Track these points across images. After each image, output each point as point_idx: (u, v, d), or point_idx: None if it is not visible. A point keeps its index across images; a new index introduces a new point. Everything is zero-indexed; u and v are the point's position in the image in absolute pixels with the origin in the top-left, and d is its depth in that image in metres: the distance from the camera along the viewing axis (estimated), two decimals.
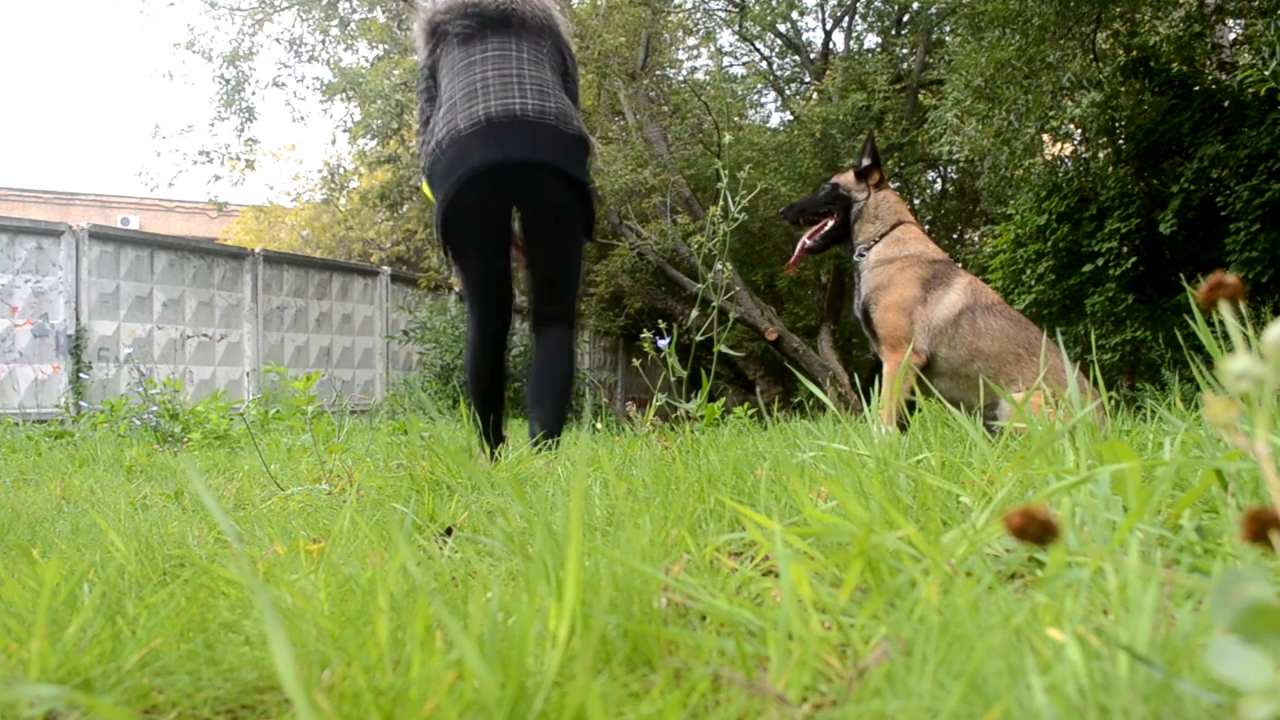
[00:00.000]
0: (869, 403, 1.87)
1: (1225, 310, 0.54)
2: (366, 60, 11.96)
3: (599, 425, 3.15)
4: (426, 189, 2.80)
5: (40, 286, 8.21)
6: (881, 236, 2.97)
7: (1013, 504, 0.94)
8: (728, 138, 2.95)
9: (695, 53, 13.61)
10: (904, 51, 12.03)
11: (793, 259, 3.18)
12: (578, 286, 2.79)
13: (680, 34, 12.77)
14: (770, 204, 11.16)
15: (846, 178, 3.13)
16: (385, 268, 11.76)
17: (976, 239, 13.15)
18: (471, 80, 2.60)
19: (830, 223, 3.08)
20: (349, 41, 11.76)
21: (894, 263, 2.88)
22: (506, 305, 2.76)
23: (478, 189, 2.54)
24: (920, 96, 11.65)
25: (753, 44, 12.87)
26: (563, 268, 2.72)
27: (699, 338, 2.48)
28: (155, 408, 5.31)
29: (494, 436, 2.73)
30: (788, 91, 13.48)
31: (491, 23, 2.69)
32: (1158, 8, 5.97)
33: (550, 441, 2.36)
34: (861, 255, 3.00)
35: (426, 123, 2.71)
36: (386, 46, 11.50)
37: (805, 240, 3.13)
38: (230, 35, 13.52)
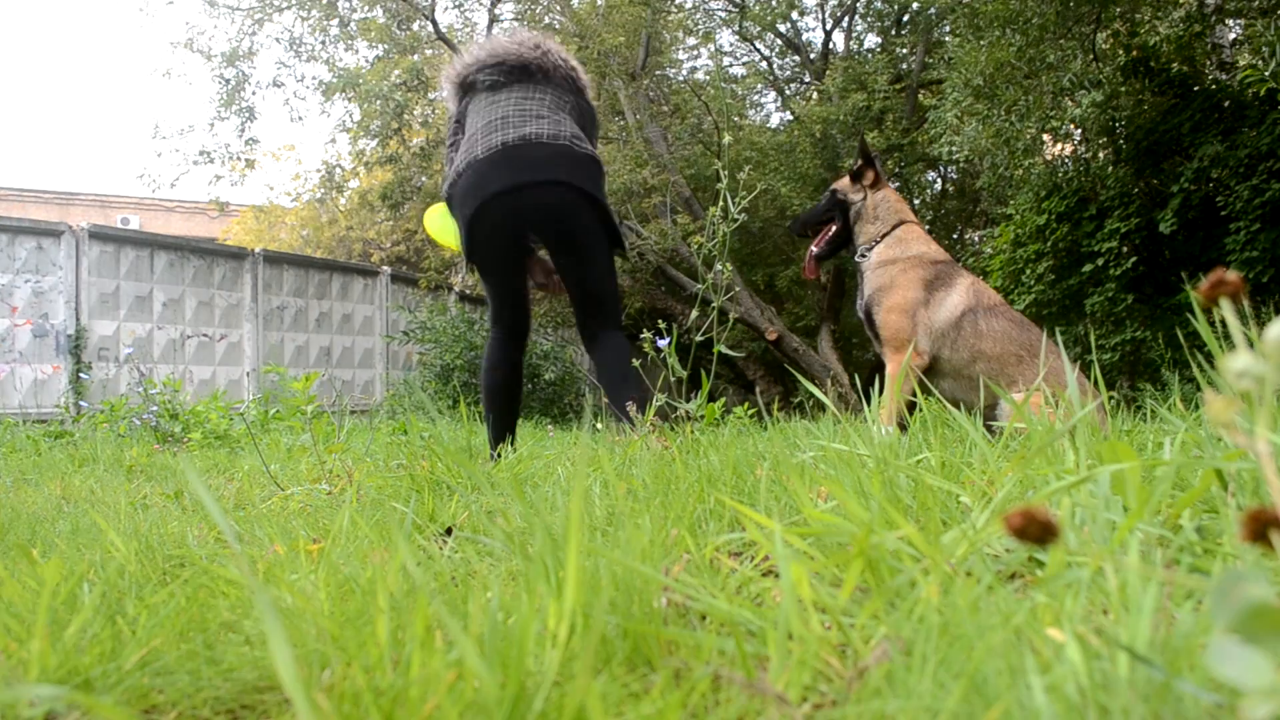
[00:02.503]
0: (869, 403, 1.87)
1: (1226, 308, 0.54)
2: (366, 60, 11.96)
3: (599, 425, 3.15)
4: (430, 224, 3.10)
5: (40, 286, 8.21)
6: (883, 237, 2.98)
7: (1013, 504, 0.94)
8: (727, 138, 2.94)
9: (695, 53, 13.61)
10: (904, 51, 12.03)
11: (806, 267, 3.21)
12: (617, 297, 2.95)
13: (680, 34, 12.77)
14: (770, 204, 11.15)
15: (843, 182, 3.15)
16: (385, 268, 11.76)
17: (977, 239, 13.14)
18: (492, 118, 2.80)
19: (834, 228, 3.12)
20: (349, 41, 11.75)
21: (896, 264, 2.88)
22: (521, 317, 2.94)
23: (496, 212, 2.69)
24: (920, 96, 11.64)
25: (753, 44, 12.86)
26: (598, 283, 2.86)
27: (699, 338, 2.48)
28: (155, 408, 5.31)
29: (508, 436, 2.85)
30: (788, 91, 13.48)
31: (515, 73, 2.90)
32: (1158, 8, 5.97)
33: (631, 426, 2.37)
34: (864, 256, 3.00)
35: (452, 163, 2.91)
36: (386, 46, 11.50)
37: (813, 248, 3.16)
38: (230, 35, 13.53)
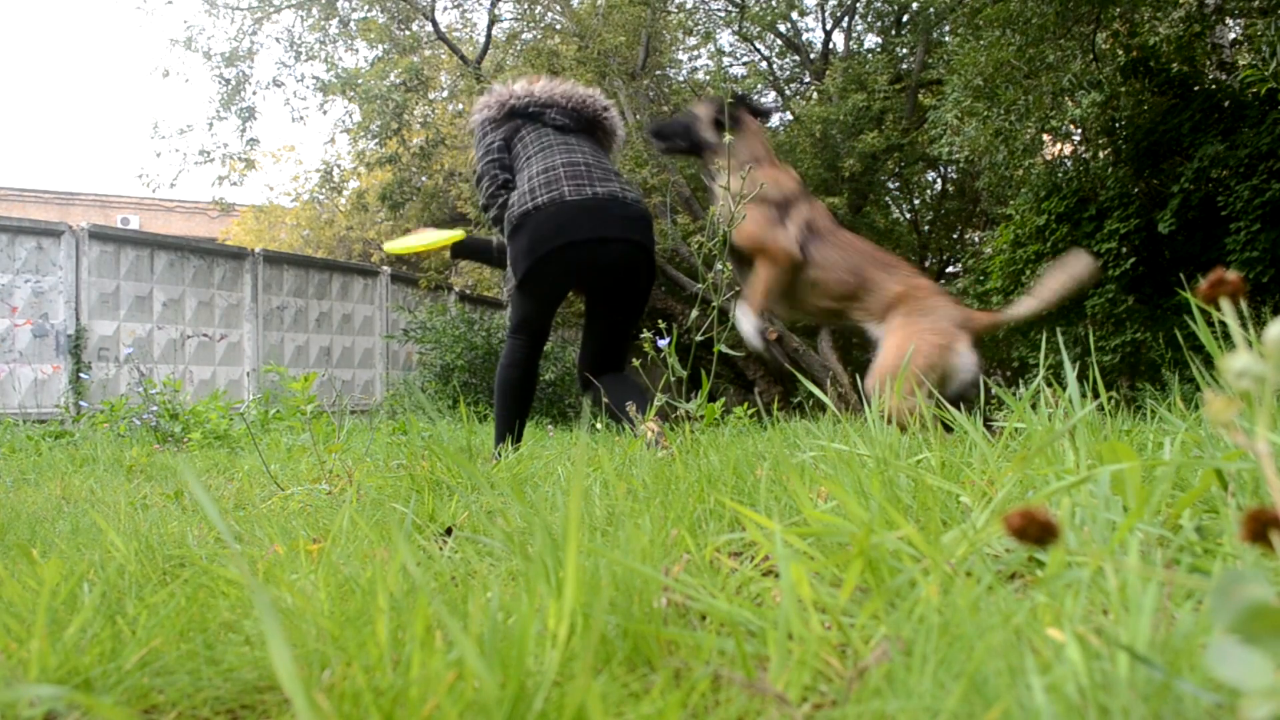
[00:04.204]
0: (869, 404, 1.87)
1: (1225, 308, 0.54)
2: (366, 61, 11.95)
3: (599, 425, 3.15)
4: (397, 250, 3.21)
5: (40, 286, 8.21)
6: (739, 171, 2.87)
7: (1013, 504, 0.94)
8: (727, 138, 2.95)
9: (695, 53, 13.60)
10: (904, 51, 12.02)
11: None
12: (631, 347, 3.19)
13: (680, 34, 12.76)
14: None
15: (707, 114, 3.03)
16: (385, 268, 11.75)
17: (977, 239, 13.14)
18: (574, 160, 2.99)
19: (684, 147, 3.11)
20: (349, 40, 11.74)
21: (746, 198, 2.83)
22: (546, 330, 3.16)
23: (578, 254, 2.91)
24: (920, 96, 11.64)
25: (753, 44, 12.86)
26: (624, 333, 3.13)
27: (699, 337, 2.48)
28: (155, 407, 5.30)
29: (514, 433, 3.01)
30: (788, 91, 13.48)
31: (584, 123, 3.17)
32: (1158, 8, 5.96)
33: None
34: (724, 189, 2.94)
35: (501, 184, 3.06)
36: (386, 46, 11.49)
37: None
38: (229, 34, 13.53)
